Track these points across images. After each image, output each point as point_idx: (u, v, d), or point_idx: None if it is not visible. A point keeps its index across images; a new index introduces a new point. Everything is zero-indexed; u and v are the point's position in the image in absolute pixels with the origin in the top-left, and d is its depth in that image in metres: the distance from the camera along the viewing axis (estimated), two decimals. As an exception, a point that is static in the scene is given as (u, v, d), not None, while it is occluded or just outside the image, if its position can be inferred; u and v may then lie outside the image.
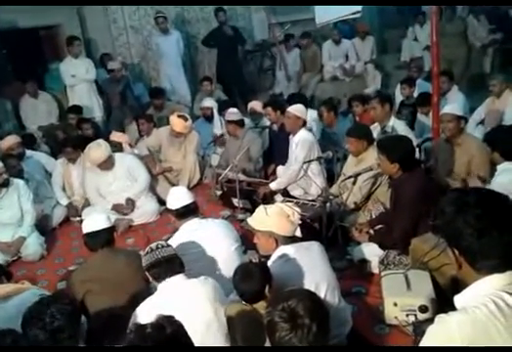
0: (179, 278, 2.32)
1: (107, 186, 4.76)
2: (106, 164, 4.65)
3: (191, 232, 2.94)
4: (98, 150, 4.60)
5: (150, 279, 2.39)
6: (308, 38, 7.77)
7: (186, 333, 1.62)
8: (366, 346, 2.66)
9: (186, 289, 2.29)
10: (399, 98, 5.80)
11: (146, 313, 2.14)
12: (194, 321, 2.06)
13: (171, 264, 2.32)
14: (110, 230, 2.94)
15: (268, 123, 5.44)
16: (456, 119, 3.84)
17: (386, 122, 4.56)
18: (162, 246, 2.37)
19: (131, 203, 4.74)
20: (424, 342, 1.41)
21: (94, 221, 2.92)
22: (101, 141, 4.73)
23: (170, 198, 3.10)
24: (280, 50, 7.94)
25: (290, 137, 4.56)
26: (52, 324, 1.87)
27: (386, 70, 7.92)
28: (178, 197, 3.07)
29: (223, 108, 5.75)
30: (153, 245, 2.38)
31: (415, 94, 5.54)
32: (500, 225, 1.35)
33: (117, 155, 4.82)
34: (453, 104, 4.19)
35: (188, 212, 3.02)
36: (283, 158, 4.74)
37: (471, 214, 1.37)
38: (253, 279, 2.23)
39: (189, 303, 2.21)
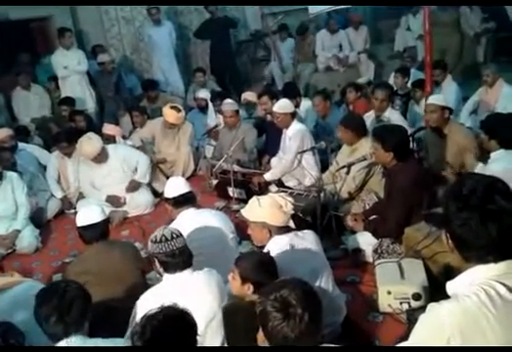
0: (187, 272, 2.30)
1: (102, 179, 4.74)
2: (101, 157, 4.64)
3: (188, 221, 2.94)
4: (89, 144, 4.58)
5: (158, 267, 2.33)
6: (304, 34, 7.72)
7: (190, 315, 1.66)
8: (360, 334, 2.69)
9: (190, 283, 2.27)
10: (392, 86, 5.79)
11: (149, 305, 2.13)
12: (197, 314, 2.06)
13: (183, 256, 2.28)
14: (105, 222, 2.92)
15: (261, 114, 5.43)
16: (440, 110, 3.83)
17: (382, 112, 4.57)
18: (177, 236, 2.30)
19: (134, 185, 4.80)
20: (415, 330, 1.43)
21: (88, 214, 2.90)
22: (91, 134, 4.69)
23: (168, 187, 3.11)
24: (274, 40, 7.90)
25: (284, 130, 4.56)
26: (63, 304, 1.92)
27: (379, 60, 7.90)
28: (176, 185, 3.08)
29: (216, 99, 5.72)
30: (168, 234, 2.29)
31: (409, 84, 5.53)
32: (485, 217, 1.34)
33: (110, 147, 4.80)
34: (439, 95, 4.16)
35: (185, 201, 3.03)
36: (278, 149, 4.75)
37: (456, 205, 1.37)
38: (273, 270, 2.23)
39: (193, 297, 2.19)
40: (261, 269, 2.22)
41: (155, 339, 1.60)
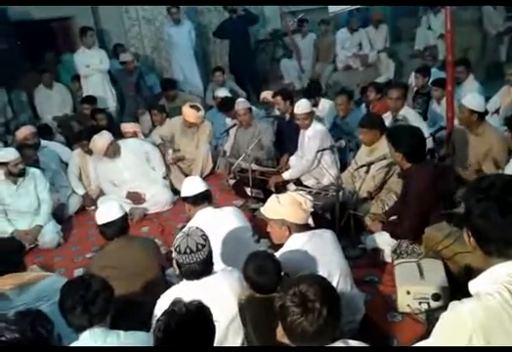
0: (208, 277, 2.30)
1: (119, 175, 4.81)
2: (112, 151, 4.69)
3: (205, 219, 2.96)
4: (101, 139, 4.66)
5: (178, 272, 2.33)
6: (326, 25, 7.71)
7: (208, 310, 1.69)
8: (378, 333, 2.68)
9: (211, 283, 2.28)
10: (413, 86, 5.75)
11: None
12: (219, 313, 2.07)
13: (204, 267, 2.25)
14: (124, 218, 2.95)
15: (277, 113, 5.45)
16: (468, 112, 3.80)
17: (398, 112, 4.54)
18: (202, 247, 2.23)
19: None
20: (437, 328, 1.43)
21: (107, 211, 2.93)
22: (102, 131, 4.78)
23: (185, 187, 3.13)
24: (293, 39, 7.89)
25: (302, 130, 4.56)
26: (88, 296, 1.98)
27: (400, 59, 7.84)
28: (194, 184, 3.11)
29: (225, 107, 5.70)
30: (193, 246, 2.22)
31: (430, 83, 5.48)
32: (504, 209, 1.35)
33: (121, 141, 4.87)
34: (475, 96, 4.05)
35: (203, 199, 3.05)
36: (295, 148, 4.75)
37: (475, 196, 1.40)
38: (270, 273, 2.24)
39: (213, 296, 2.19)
40: (256, 273, 2.23)
41: (175, 334, 1.63)
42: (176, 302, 1.71)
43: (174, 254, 2.28)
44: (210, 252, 2.30)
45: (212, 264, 2.33)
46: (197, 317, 1.66)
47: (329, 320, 1.56)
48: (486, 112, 3.98)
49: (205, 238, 2.30)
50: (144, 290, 2.71)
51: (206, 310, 1.71)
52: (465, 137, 3.94)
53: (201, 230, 2.35)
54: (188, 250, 2.21)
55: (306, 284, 1.60)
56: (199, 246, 2.23)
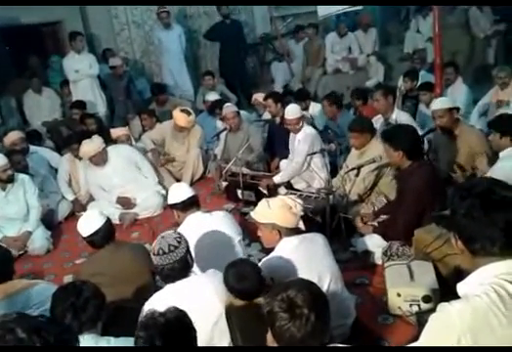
0: (186, 279, 2.29)
1: (108, 180, 4.77)
2: (98, 158, 4.65)
3: (194, 225, 2.95)
4: (89, 144, 4.63)
5: (159, 278, 2.33)
6: (314, 28, 7.75)
7: (187, 317, 1.67)
8: (370, 336, 2.69)
9: (194, 286, 2.28)
10: (402, 90, 5.79)
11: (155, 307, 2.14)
12: (203, 316, 2.05)
13: (179, 269, 2.24)
14: (107, 224, 2.90)
15: (268, 116, 5.46)
16: (448, 112, 3.82)
17: (389, 115, 4.56)
18: (175, 248, 2.22)
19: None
20: (426, 330, 1.44)
21: (88, 222, 2.88)
22: (94, 136, 4.74)
23: (172, 194, 3.10)
24: (283, 43, 7.91)
25: (292, 133, 4.57)
26: (79, 302, 1.98)
27: (389, 63, 7.89)
28: (181, 190, 3.09)
29: (216, 108, 5.71)
30: (165, 247, 2.22)
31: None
32: (488, 206, 1.37)
33: (111, 148, 4.83)
34: (440, 98, 4.11)
35: (191, 205, 3.03)
36: (285, 151, 4.76)
37: (459, 194, 1.43)
38: (250, 279, 2.23)
39: (198, 299, 2.21)
40: (236, 280, 2.23)
41: (159, 346, 1.61)
42: (151, 313, 1.68)
43: (157, 260, 2.27)
44: (185, 255, 2.26)
45: (189, 267, 2.31)
46: (177, 325, 1.64)
47: (317, 325, 1.55)
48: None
49: (179, 240, 2.28)
50: (134, 297, 2.69)
51: (184, 316, 1.70)
52: (445, 141, 3.96)
53: (178, 233, 2.36)
54: (160, 252, 2.22)
55: (294, 289, 1.59)
56: (171, 248, 2.23)
